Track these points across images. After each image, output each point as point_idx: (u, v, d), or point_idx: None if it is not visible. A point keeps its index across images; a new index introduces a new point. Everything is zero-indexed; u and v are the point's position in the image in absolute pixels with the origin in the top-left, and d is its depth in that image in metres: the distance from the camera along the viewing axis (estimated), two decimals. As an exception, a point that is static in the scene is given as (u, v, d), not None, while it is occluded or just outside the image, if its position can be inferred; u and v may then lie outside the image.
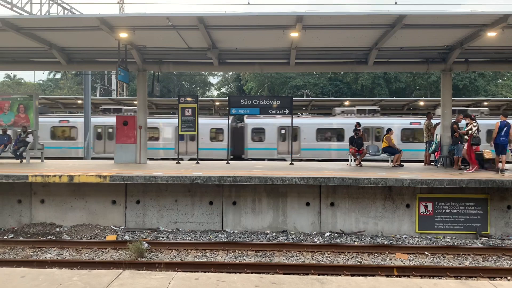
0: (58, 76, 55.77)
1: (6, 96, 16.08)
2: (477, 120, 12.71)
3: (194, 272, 5.59)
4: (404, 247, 9.43)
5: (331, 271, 7.64)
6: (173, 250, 9.13)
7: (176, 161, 15.64)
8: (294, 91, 44.29)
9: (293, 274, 7.24)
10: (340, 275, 7.33)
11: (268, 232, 10.78)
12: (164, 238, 10.23)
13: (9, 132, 15.52)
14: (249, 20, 11.63)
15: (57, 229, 10.79)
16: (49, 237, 10.30)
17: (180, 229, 10.94)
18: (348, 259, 8.69)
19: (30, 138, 14.91)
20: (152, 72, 15.57)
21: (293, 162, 15.35)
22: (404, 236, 10.58)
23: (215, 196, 11.12)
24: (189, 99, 15.57)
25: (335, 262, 8.51)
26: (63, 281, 3.77)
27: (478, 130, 12.44)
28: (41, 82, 60.01)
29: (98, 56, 15.05)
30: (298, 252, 9.05)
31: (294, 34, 11.81)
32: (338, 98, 31.96)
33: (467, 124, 12.66)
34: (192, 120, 15.15)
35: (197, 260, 8.53)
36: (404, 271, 7.74)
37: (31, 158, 15.45)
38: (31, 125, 15.07)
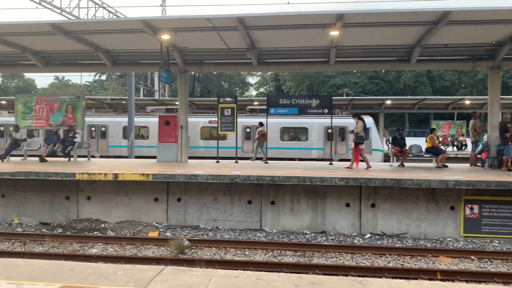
0: (104, 77, 57.87)
1: (55, 97, 16.88)
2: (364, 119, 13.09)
3: (234, 270, 5.65)
4: (448, 250, 9.13)
5: (372, 273, 7.51)
6: (213, 248, 9.26)
7: (216, 160, 15.87)
8: (333, 90, 43.84)
9: (333, 275, 7.18)
10: (380, 277, 7.19)
11: (307, 232, 10.73)
12: (204, 235, 10.40)
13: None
14: (289, 20, 11.62)
15: (102, 225, 11.20)
16: (95, 232, 10.70)
17: (220, 227, 11.08)
18: (389, 262, 8.51)
19: (78, 138, 15.54)
20: (193, 73, 15.85)
21: (332, 162, 15.18)
22: (448, 239, 10.23)
23: (253, 195, 11.19)
24: (228, 99, 15.74)
25: (375, 264, 8.36)
26: (109, 275, 3.93)
27: (364, 129, 12.81)
28: (87, 83, 62.46)
29: (141, 58, 15.49)
30: (337, 253, 8.95)
31: (334, 33, 11.68)
32: (379, 97, 31.29)
33: (356, 123, 12.86)
34: (231, 119, 15.31)
35: (236, 258, 8.61)
36: (448, 275, 7.49)
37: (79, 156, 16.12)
38: (78, 124, 15.72)
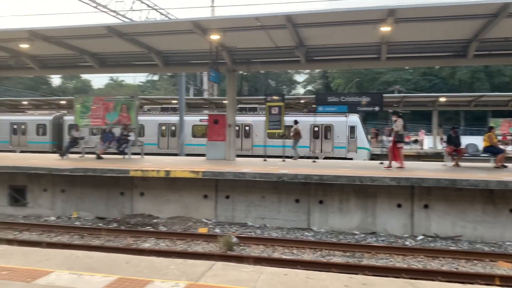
0: (156, 77, 59.72)
1: (111, 97, 17.66)
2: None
3: (282, 268, 5.67)
4: (508, 255, 8.65)
5: (424, 276, 7.26)
6: (261, 245, 9.33)
7: (264, 159, 15.95)
8: (384, 87, 42.72)
9: (383, 276, 7.01)
10: (433, 280, 6.94)
11: (356, 232, 10.55)
12: (252, 233, 10.49)
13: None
14: (338, 16, 11.44)
15: (155, 220, 11.57)
16: (147, 227, 11.08)
17: (267, 225, 11.14)
18: (442, 265, 8.20)
19: (132, 136, 16.18)
20: (241, 72, 16.00)
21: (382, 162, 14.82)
22: (508, 243, 9.67)
23: (301, 194, 11.14)
24: (275, 97, 15.75)
25: (428, 267, 8.08)
26: (162, 269, 4.07)
27: (404, 128, 12.55)
28: (140, 83, 64.63)
29: (191, 58, 15.82)
30: (388, 255, 8.74)
31: (386, 29, 11.38)
32: (433, 94, 30.13)
33: (394, 121, 12.55)
34: (278, 118, 15.30)
35: (284, 257, 8.63)
36: (508, 281, 7.11)
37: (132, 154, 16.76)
38: (132, 123, 16.33)
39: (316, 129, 23.12)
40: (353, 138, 22.60)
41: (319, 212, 11.02)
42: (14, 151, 24.95)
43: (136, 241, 9.88)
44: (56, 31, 13.37)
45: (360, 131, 22.89)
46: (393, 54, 14.06)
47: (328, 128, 23.05)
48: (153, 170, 11.52)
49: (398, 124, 12.41)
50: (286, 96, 20.14)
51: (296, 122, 17.19)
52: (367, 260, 8.51)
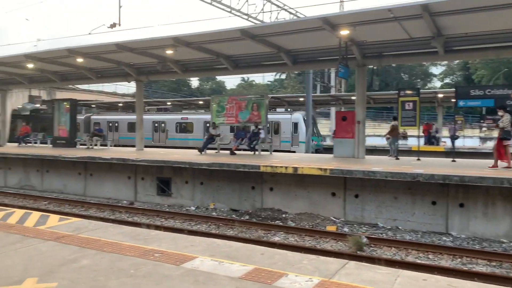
0: (283, 76, 61.11)
1: (243, 96, 18.62)
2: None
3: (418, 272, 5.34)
4: None
5: None
6: (393, 248, 8.92)
7: (390, 155, 15.21)
8: (539, 77, 37.25)
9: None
10: None
11: (504, 241, 9.41)
12: (383, 234, 10.09)
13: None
14: (485, 1, 10.30)
15: (283, 215, 11.87)
16: (277, 221, 11.41)
17: (400, 228, 10.59)
18: None
19: (262, 134, 16.85)
20: (371, 66, 15.47)
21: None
22: None
23: (438, 196, 10.34)
24: (409, 92, 14.83)
25: None
26: (295, 263, 4.15)
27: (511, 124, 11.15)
28: (269, 82, 66.78)
29: (319, 55, 15.79)
30: (545, 269, 7.64)
31: (544, 10, 9.92)
32: None
33: (501, 116, 11.36)
34: (413, 114, 14.38)
35: (418, 261, 8.13)
36: None
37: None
38: (262, 121, 16.98)
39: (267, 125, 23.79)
40: (296, 133, 24.88)
41: (459, 216, 10.10)
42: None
43: (267, 234, 10.25)
44: (196, 36, 14.53)
45: (301, 127, 24.61)
46: (553, 38, 12.18)
47: (276, 125, 25.57)
48: (281, 166, 11.82)
49: (504, 119, 11.13)
50: (422, 90, 18.82)
51: (394, 118, 16.09)
52: (519, 272, 7.55)
